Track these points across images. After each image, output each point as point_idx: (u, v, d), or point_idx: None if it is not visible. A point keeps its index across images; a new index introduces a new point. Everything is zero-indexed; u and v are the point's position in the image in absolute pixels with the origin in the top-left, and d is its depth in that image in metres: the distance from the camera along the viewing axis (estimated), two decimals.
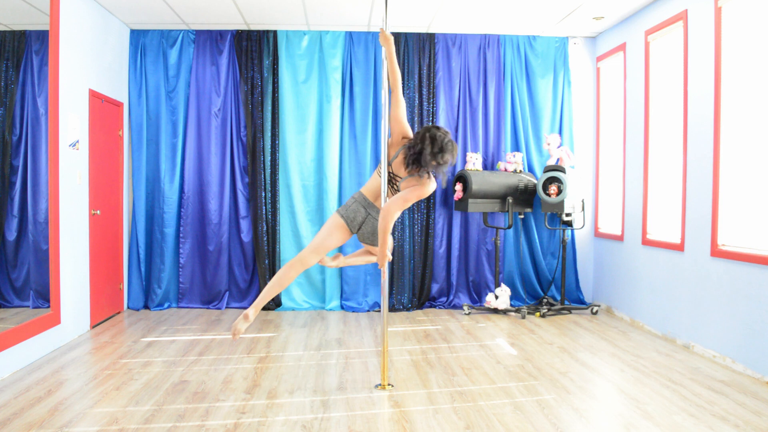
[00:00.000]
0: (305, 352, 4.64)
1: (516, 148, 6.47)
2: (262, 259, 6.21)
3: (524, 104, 6.44)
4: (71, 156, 4.87)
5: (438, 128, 3.50)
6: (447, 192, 6.42)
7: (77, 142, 4.98)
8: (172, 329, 5.33)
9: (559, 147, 6.11)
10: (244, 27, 6.19)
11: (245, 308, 6.26)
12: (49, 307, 4.50)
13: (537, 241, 6.45)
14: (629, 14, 5.75)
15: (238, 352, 4.59)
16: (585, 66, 6.61)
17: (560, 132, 6.47)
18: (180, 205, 6.26)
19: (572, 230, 6.43)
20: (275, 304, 6.26)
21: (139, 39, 6.20)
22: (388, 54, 3.58)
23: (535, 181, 6.19)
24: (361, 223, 3.62)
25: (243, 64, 6.26)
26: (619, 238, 5.96)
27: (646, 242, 5.45)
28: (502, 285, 6.10)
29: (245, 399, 3.55)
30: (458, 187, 6.10)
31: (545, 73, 6.45)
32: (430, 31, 6.31)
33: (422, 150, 3.39)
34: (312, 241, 3.65)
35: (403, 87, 6.27)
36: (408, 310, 6.27)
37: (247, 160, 6.28)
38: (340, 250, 6.07)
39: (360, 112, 6.29)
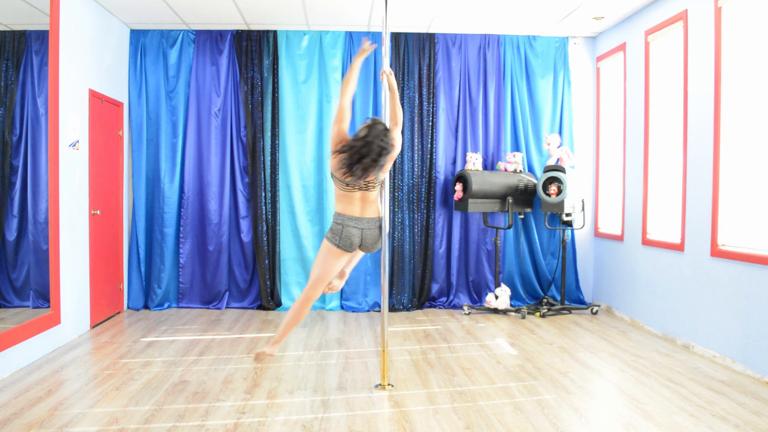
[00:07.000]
0: (305, 352, 4.64)
1: (516, 148, 6.47)
2: (262, 259, 6.20)
3: (524, 104, 6.44)
4: (71, 156, 4.87)
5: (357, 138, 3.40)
6: (447, 192, 6.42)
7: (77, 142, 4.98)
8: (172, 329, 5.33)
9: (559, 147, 6.11)
10: (244, 27, 6.19)
11: (245, 308, 6.27)
12: (49, 307, 4.50)
13: (537, 241, 6.45)
14: (629, 14, 5.75)
15: (238, 352, 4.59)
16: (585, 66, 6.61)
17: (560, 132, 6.47)
18: (180, 205, 6.26)
19: (572, 230, 6.42)
20: (275, 304, 6.26)
21: (139, 39, 6.20)
22: (390, 90, 3.77)
23: (535, 181, 6.19)
24: (361, 242, 3.54)
25: (243, 64, 6.25)
26: (619, 238, 5.96)
27: (646, 242, 5.45)
28: (502, 285, 6.10)
29: (245, 399, 3.55)
30: (458, 187, 6.10)
31: (545, 73, 6.45)
32: (430, 31, 6.31)
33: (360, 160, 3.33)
34: (312, 274, 3.54)
35: (403, 87, 6.27)
36: (408, 310, 6.27)
37: (247, 160, 6.28)
38: None
39: (360, 113, 6.28)
